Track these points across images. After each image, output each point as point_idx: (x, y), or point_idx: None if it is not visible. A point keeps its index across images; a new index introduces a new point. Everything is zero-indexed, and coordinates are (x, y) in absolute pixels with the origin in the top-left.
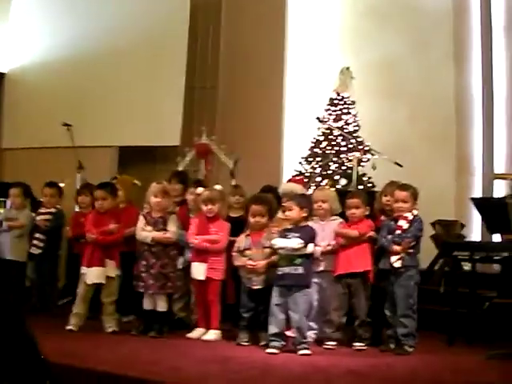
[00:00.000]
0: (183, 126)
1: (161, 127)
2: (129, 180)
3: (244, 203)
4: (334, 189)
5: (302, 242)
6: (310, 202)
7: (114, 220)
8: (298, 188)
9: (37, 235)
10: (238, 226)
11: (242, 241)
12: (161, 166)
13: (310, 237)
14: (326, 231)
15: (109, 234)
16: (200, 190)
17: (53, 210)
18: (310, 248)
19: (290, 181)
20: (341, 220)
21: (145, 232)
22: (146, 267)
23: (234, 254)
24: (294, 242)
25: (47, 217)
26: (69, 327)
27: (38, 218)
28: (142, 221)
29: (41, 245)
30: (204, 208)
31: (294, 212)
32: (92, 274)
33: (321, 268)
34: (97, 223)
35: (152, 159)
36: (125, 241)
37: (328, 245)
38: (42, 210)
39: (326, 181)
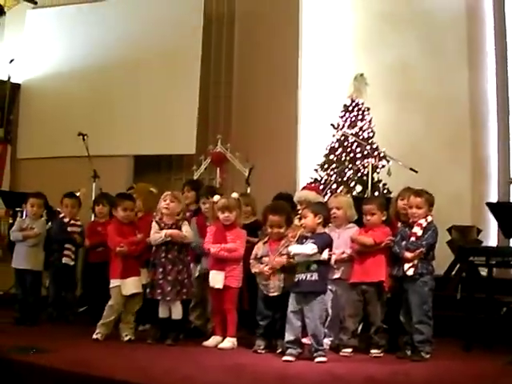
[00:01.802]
0: (198, 135)
1: (176, 136)
2: (146, 187)
3: (251, 212)
4: (349, 195)
5: (316, 247)
6: (324, 209)
7: (136, 229)
8: (312, 195)
9: (68, 246)
10: (249, 232)
11: (259, 248)
12: (176, 174)
13: (324, 243)
14: (341, 239)
15: (136, 244)
16: (216, 197)
17: (79, 222)
18: (325, 254)
19: (304, 188)
20: (356, 227)
21: (158, 234)
22: (163, 274)
23: (251, 261)
24: (307, 248)
25: (78, 229)
26: (95, 336)
27: (69, 229)
28: (155, 227)
29: (73, 256)
30: (221, 216)
31: (309, 219)
32: (129, 285)
33: (336, 275)
34: (121, 234)
35: (167, 168)
36: None
37: (342, 252)
38: (72, 222)
39: (341, 188)
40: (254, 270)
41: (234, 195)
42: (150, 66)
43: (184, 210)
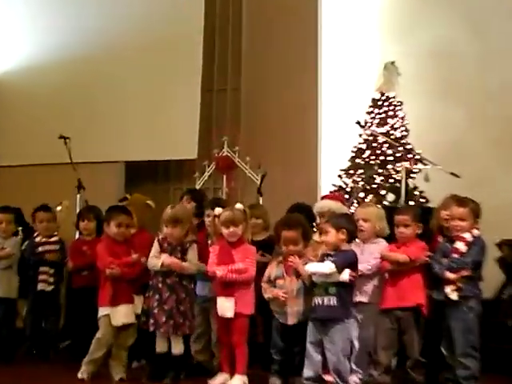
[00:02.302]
0: (201, 136)
1: (174, 138)
2: (142, 200)
3: (263, 226)
4: (379, 206)
5: (334, 266)
6: (349, 222)
7: (130, 248)
8: (336, 206)
9: (44, 269)
10: (262, 250)
11: (272, 269)
12: (175, 184)
13: (345, 261)
14: (365, 255)
15: (131, 265)
16: (218, 210)
17: (55, 238)
18: (345, 275)
19: (325, 197)
20: (385, 242)
21: (156, 259)
22: (159, 302)
23: (263, 284)
24: (324, 267)
25: (55, 247)
26: (81, 376)
27: (41, 248)
28: (156, 247)
29: (51, 280)
30: (225, 231)
31: (331, 235)
32: (120, 314)
33: (362, 299)
34: (113, 253)
35: (165, 177)
36: None
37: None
38: (44, 240)
39: (370, 196)
40: (266, 296)
41: (239, 206)
42: (142, 56)
43: (191, 228)
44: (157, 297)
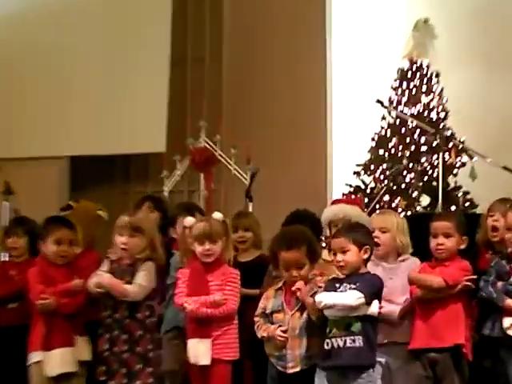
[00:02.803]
0: (170, 123)
1: (136, 125)
2: (90, 209)
3: (253, 241)
4: (405, 213)
5: (362, 296)
6: (370, 237)
7: (73, 273)
8: (355, 212)
9: None
10: (250, 276)
11: (269, 300)
12: (137, 186)
13: (373, 289)
14: (396, 280)
15: (72, 295)
16: (189, 220)
17: None
18: (375, 307)
19: (338, 202)
20: (416, 260)
21: (91, 279)
22: (109, 343)
23: (256, 319)
24: (350, 297)
25: None
26: None
27: None
28: (104, 266)
29: None
30: (198, 249)
31: (351, 254)
32: (55, 361)
33: (386, 338)
34: (48, 280)
35: (123, 177)
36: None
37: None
38: None
39: (397, 200)
40: (260, 334)
41: (217, 216)
42: (91, 26)
43: (152, 244)
44: (107, 336)
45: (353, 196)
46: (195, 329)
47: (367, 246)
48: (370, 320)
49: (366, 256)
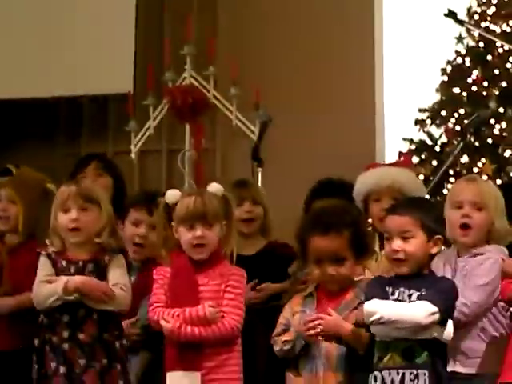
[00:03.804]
0: (140, 51)
1: (87, 56)
2: (36, 180)
3: (260, 223)
4: (493, 181)
5: (436, 311)
6: (441, 219)
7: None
8: (407, 177)
9: None
10: (256, 273)
11: (293, 312)
12: (91, 144)
13: (449, 301)
14: (471, 278)
15: None
16: (172, 194)
17: None
18: (450, 328)
19: (377, 166)
20: (499, 251)
21: (52, 283)
22: (56, 367)
23: (275, 339)
24: (418, 310)
25: None
26: None
27: None
28: (44, 268)
29: None
30: (185, 237)
31: (416, 243)
32: None
33: (460, 367)
34: None
35: (71, 130)
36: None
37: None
38: None
39: (482, 162)
40: (280, 345)
41: (215, 187)
42: None
43: (110, 222)
44: (53, 365)
45: (404, 156)
46: (178, 357)
47: (439, 236)
48: (440, 347)
49: (435, 250)
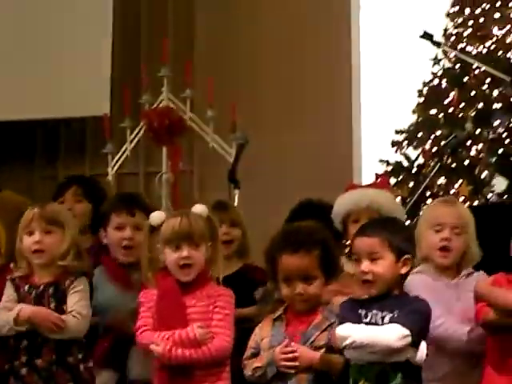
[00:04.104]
0: (118, 73)
1: (65, 78)
2: (18, 204)
3: (238, 245)
4: (469, 203)
5: (408, 334)
6: (411, 240)
7: None
8: (385, 198)
9: None
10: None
11: (265, 332)
12: (69, 167)
13: (421, 323)
14: (466, 302)
15: None
16: (157, 216)
17: None
18: (423, 350)
19: (356, 187)
20: (483, 274)
21: (6, 313)
22: None
23: (246, 362)
24: (389, 333)
25: None
26: None
27: None
28: (6, 294)
29: None
30: (171, 257)
31: (384, 264)
32: None
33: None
34: None
35: (48, 153)
36: None
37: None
38: None
39: (459, 183)
40: (251, 370)
41: (200, 209)
42: None
43: (78, 247)
44: None
45: (382, 178)
46: (169, 380)
47: (408, 256)
48: (413, 369)
49: (404, 270)
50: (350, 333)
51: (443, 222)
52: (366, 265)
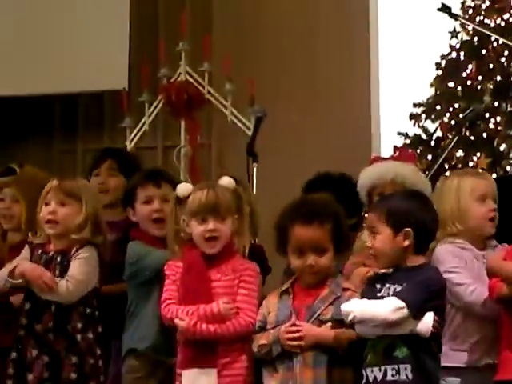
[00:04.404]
0: (135, 47)
1: (81, 52)
2: (41, 180)
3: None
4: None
5: (403, 306)
6: (427, 211)
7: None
8: (411, 173)
9: None
10: None
11: (269, 308)
12: (87, 140)
13: (424, 295)
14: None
15: None
16: (184, 188)
17: None
18: (426, 322)
19: (381, 159)
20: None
21: (3, 269)
22: (19, 366)
23: (253, 336)
24: (384, 307)
25: None
26: None
27: None
28: (22, 255)
29: None
30: (197, 230)
31: (381, 238)
32: None
33: (455, 360)
34: None
35: (66, 127)
36: None
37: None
38: None
39: (477, 156)
40: (258, 346)
41: (227, 181)
42: None
43: (96, 221)
44: (13, 355)
45: (406, 150)
46: (193, 355)
47: (407, 229)
48: (423, 341)
49: (406, 243)
50: (352, 308)
51: (486, 193)
52: (369, 240)
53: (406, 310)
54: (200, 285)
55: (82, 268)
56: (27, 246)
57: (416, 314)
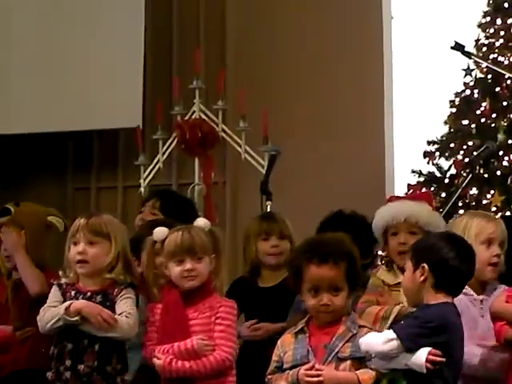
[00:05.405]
0: (149, 85)
1: (96, 90)
2: (38, 214)
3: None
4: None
5: (394, 337)
6: (448, 248)
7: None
8: (425, 213)
9: None
10: (275, 307)
11: (287, 346)
12: (102, 179)
13: (419, 329)
14: (488, 318)
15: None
16: (160, 232)
17: None
18: (420, 356)
19: (396, 198)
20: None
21: (54, 307)
22: None
23: (269, 377)
24: (377, 338)
25: None
26: None
27: None
28: (53, 296)
29: None
30: (175, 271)
31: (405, 275)
32: None
33: None
34: None
35: (80, 165)
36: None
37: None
38: None
39: (491, 193)
40: None
41: (202, 223)
42: None
43: (126, 260)
44: None
45: (421, 190)
46: None
47: (423, 264)
48: (421, 376)
49: (421, 279)
50: (361, 342)
51: (494, 237)
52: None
53: (395, 342)
54: (178, 324)
55: (132, 306)
56: (55, 286)
57: (409, 347)
